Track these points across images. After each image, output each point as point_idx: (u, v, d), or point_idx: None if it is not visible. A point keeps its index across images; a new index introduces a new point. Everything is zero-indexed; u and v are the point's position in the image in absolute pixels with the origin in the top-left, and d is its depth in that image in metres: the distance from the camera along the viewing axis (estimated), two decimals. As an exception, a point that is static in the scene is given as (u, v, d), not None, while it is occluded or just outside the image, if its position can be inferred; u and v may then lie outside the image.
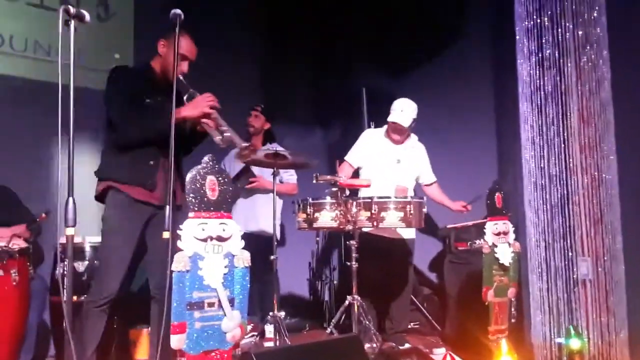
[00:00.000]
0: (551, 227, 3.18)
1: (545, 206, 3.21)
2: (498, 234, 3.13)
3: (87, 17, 2.19)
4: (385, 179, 3.74)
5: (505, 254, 3.11)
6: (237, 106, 4.35)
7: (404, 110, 3.74)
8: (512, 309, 3.22)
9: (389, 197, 3.29)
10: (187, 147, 2.88)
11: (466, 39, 4.51)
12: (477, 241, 3.72)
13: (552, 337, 3.15)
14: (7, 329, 2.80)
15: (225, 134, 2.65)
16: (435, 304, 4.22)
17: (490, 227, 3.12)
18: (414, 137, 3.93)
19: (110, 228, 2.67)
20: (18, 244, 2.87)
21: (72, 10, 2.10)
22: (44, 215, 3.10)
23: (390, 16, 4.99)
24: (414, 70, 4.77)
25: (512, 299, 3.20)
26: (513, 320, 3.21)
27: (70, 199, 2.05)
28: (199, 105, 2.64)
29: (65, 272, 2.05)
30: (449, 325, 3.92)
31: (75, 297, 2.72)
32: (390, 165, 3.80)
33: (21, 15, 3.89)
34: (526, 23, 3.43)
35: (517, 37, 3.46)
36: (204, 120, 2.68)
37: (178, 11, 2.40)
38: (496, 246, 3.10)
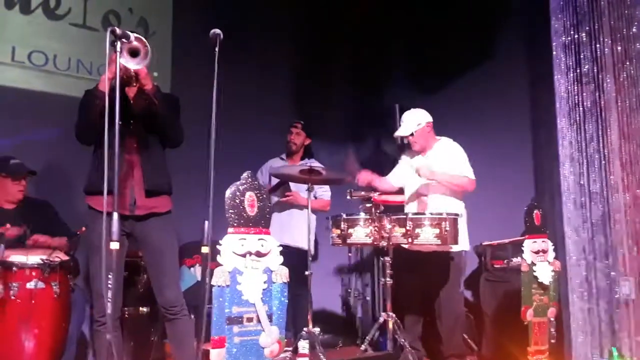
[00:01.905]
0: (592, 245, 3.13)
1: (585, 224, 3.15)
2: (537, 252, 3.07)
3: (132, 37, 2.27)
4: (409, 190, 3.74)
5: (544, 273, 3.05)
6: (273, 121, 4.42)
7: (403, 122, 3.75)
8: (552, 330, 3.15)
9: (423, 214, 3.27)
10: (160, 128, 2.73)
11: (501, 54, 4.48)
12: (514, 259, 3.64)
13: (594, 359, 3.07)
14: (49, 339, 2.86)
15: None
16: (471, 323, 4.14)
17: (529, 244, 3.07)
18: (442, 141, 3.78)
19: (90, 248, 2.65)
20: (59, 257, 2.94)
21: (118, 31, 2.18)
22: (83, 228, 3.16)
23: (424, 32, 5.00)
24: (447, 87, 4.75)
25: (552, 319, 3.13)
26: (553, 341, 3.14)
27: (115, 213, 2.11)
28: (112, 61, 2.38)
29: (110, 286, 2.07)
30: (486, 345, 3.84)
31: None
32: (411, 176, 3.75)
33: (64, 35, 4.03)
34: (563, 38, 3.40)
35: (554, 53, 3.43)
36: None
37: (217, 31, 2.45)
38: (535, 264, 3.05)
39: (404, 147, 3.99)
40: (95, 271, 2.60)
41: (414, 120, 3.71)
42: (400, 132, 3.74)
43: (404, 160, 3.93)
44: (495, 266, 3.88)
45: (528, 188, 4.09)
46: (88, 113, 2.57)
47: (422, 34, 5.03)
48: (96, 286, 2.59)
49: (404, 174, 3.85)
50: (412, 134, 3.70)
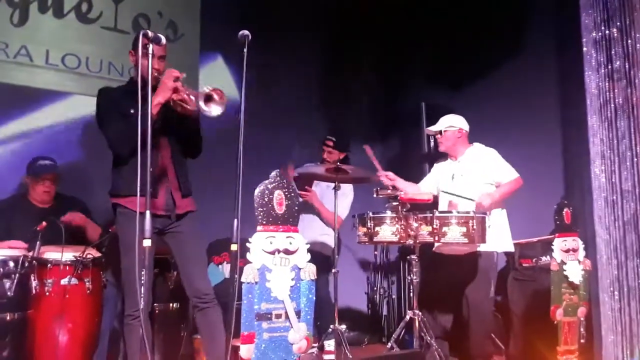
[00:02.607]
0: (623, 244, 3.07)
1: (617, 223, 3.10)
2: (567, 251, 3.04)
3: (164, 40, 2.33)
4: (442, 196, 3.72)
5: (575, 272, 3.01)
6: (299, 121, 4.45)
7: (439, 121, 3.81)
8: (582, 329, 3.10)
9: (450, 212, 3.26)
10: (189, 144, 2.88)
11: (529, 50, 4.42)
12: (543, 258, 3.60)
13: (625, 359, 3.02)
14: (82, 334, 2.93)
15: (205, 92, 2.57)
16: (499, 322, 4.10)
17: (559, 243, 3.03)
18: (476, 147, 3.79)
19: (123, 245, 2.71)
20: (91, 253, 3.01)
21: (150, 34, 2.23)
22: (114, 226, 3.22)
23: (450, 29, 4.96)
24: (474, 84, 4.71)
25: (582, 319, 3.08)
26: (582, 341, 3.10)
27: (148, 212, 2.16)
28: (166, 83, 2.59)
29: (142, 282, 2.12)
30: (514, 345, 3.80)
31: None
32: (446, 183, 3.77)
33: (96, 38, 4.12)
34: (594, 34, 3.35)
35: (585, 49, 3.37)
36: (177, 97, 2.62)
37: (246, 32, 2.49)
38: (565, 263, 3.01)
39: (432, 147, 4.00)
40: (129, 267, 2.63)
41: (448, 121, 3.77)
42: (430, 127, 3.82)
43: (438, 168, 3.95)
44: (524, 265, 3.84)
45: (557, 186, 4.03)
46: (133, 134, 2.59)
47: (448, 31, 4.99)
48: (129, 281, 2.67)
49: (436, 182, 3.88)
50: (440, 132, 3.74)
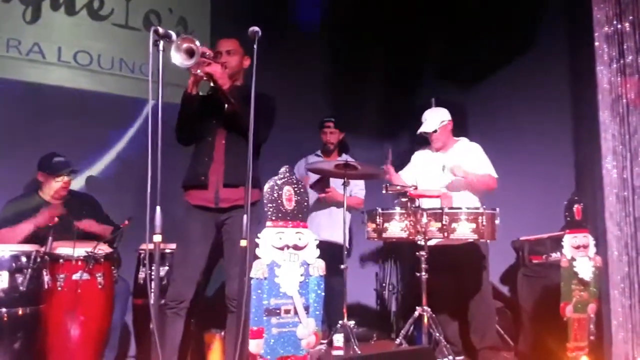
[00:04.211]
0: (635, 241, 3.05)
1: (628, 219, 3.07)
2: (577, 248, 3.02)
3: (174, 36, 2.34)
4: (433, 187, 3.72)
5: (585, 269, 2.99)
6: (309, 117, 4.45)
7: (427, 119, 3.81)
8: (592, 326, 3.09)
9: (460, 208, 3.26)
10: (239, 128, 2.81)
11: (540, 46, 4.38)
12: (553, 254, 3.59)
13: (635, 356, 3.01)
14: (94, 328, 2.98)
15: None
16: (508, 319, 4.09)
17: (569, 240, 3.02)
18: (463, 141, 3.87)
19: (179, 235, 2.81)
20: (103, 249, 3.04)
21: (161, 31, 2.25)
22: (126, 222, 3.26)
23: (461, 25, 4.94)
24: (485, 80, 4.69)
25: (592, 316, 3.07)
26: (592, 338, 3.08)
27: (158, 207, 2.18)
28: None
29: (152, 277, 2.14)
30: (523, 341, 3.79)
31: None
32: (435, 173, 3.78)
33: (108, 35, 4.15)
34: (606, 29, 3.31)
35: (596, 44, 3.34)
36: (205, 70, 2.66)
37: (256, 28, 2.48)
38: (575, 260, 3.00)
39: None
40: (179, 260, 2.82)
41: (438, 118, 3.79)
42: (424, 128, 3.81)
43: (418, 157, 3.98)
44: (534, 261, 3.82)
45: (568, 182, 4.00)
46: (184, 118, 2.79)
47: (459, 27, 4.96)
48: (179, 275, 2.81)
49: (416, 171, 3.92)
50: (435, 131, 3.77)
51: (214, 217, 2.84)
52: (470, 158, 3.73)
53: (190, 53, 2.46)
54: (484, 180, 3.67)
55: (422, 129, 3.82)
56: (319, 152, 4.39)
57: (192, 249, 2.79)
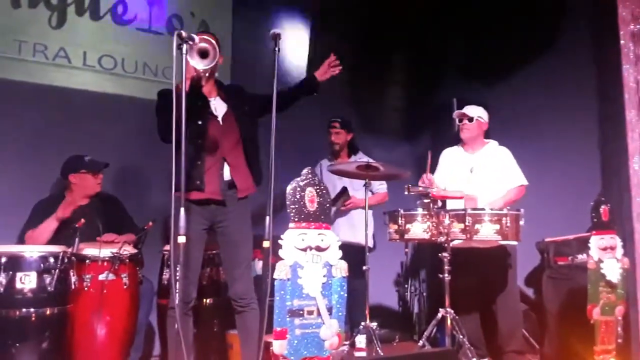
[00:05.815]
0: (663, 242, 2.98)
1: (656, 220, 3.01)
2: (604, 249, 2.96)
3: (197, 39, 2.37)
4: (459, 188, 3.68)
5: (613, 270, 2.94)
6: (325, 117, 4.45)
7: (469, 107, 3.77)
8: (619, 329, 3.03)
9: (483, 209, 3.22)
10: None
11: (564, 44, 4.32)
12: (579, 256, 3.53)
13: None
14: (119, 328, 3.02)
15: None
16: (533, 321, 4.04)
17: (596, 241, 2.96)
18: (492, 144, 3.81)
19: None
20: (128, 250, 3.09)
21: (184, 34, 2.28)
22: (150, 223, 3.29)
23: (484, 24, 4.89)
24: (508, 79, 4.64)
25: (620, 318, 3.01)
26: (620, 341, 3.02)
27: (182, 209, 2.21)
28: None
29: (177, 278, 2.17)
30: (549, 344, 3.74)
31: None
32: (463, 175, 3.74)
33: (131, 39, 4.21)
34: (632, 27, 3.26)
35: (622, 42, 3.29)
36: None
37: (277, 30, 2.51)
38: (602, 262, 2.94)
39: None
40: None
41: (481, 111, 3.77)
42: (466, 110, 3.75)
43: (446, 155, 3.92)
44: (559, 263, 3.76)
45: (594, 183, 3.94)
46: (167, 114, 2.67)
47: (481, 25, 4.92)
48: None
49: (443, 170, 3.87)
50: (472, 119, 3.73)
51: (210, 217, 2.82)
52: (498, 162, 3.68)
53: (205, 54, 2.48)
54: (517, 195, 3.64)
55: (463, 110, 3.76)
56: (329, 157, 4.37)
57: (190, 248, 2.76)
